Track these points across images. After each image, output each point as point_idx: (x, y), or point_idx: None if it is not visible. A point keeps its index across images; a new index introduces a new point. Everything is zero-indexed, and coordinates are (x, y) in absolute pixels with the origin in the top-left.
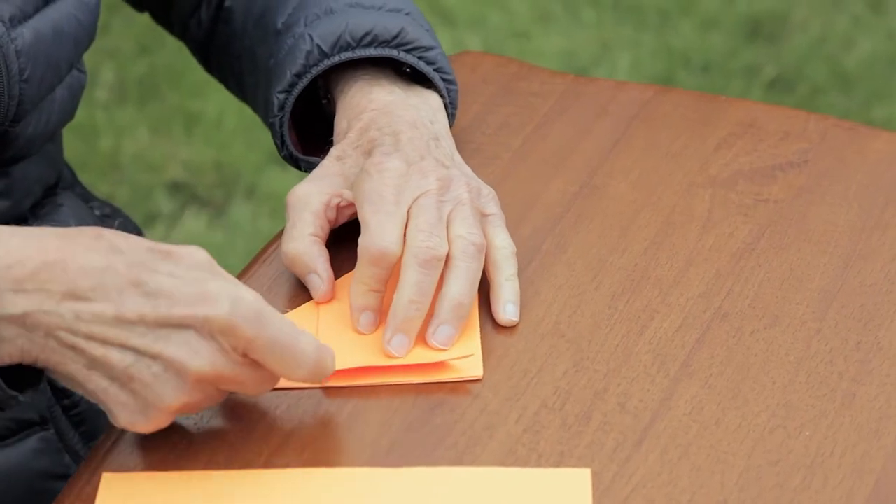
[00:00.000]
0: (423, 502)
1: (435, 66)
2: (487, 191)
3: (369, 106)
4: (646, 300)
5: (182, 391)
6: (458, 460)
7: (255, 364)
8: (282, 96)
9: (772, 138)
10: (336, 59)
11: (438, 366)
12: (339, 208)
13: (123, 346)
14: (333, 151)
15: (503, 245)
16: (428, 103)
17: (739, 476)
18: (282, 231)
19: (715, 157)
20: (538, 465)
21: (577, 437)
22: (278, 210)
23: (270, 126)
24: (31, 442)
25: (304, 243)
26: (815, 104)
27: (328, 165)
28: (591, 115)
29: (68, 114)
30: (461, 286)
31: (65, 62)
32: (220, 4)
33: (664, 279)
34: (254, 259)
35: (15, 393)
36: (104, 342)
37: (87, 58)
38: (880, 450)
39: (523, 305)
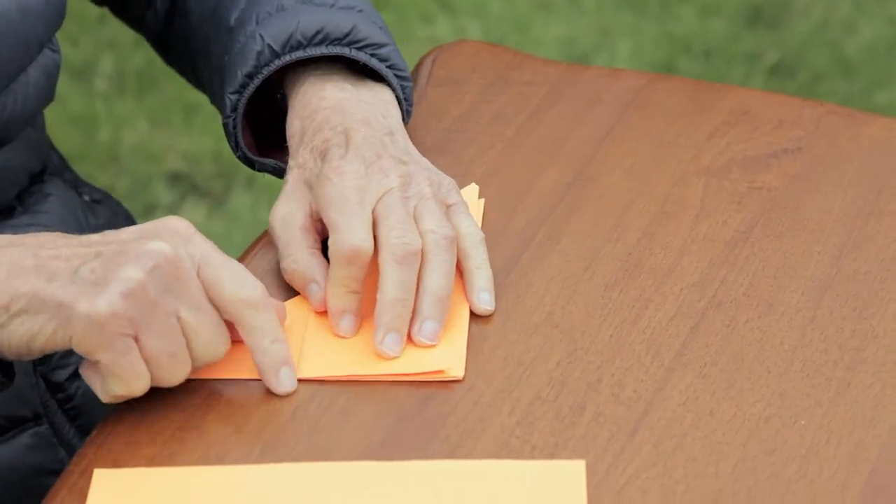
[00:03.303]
0: (417, 496)
1: (388, 63)
2: (448, 181)
3: (321, 105)
4: (639, 290)
5: None
6: (452, 453)
7: None
8: (234, 97)
9: (766, 126)
10: (287, 58)
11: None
12: (320, 220)
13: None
14: (292, 161)
15: (470, 232)
16: (380, 98)
17: (734, 466)
18: None
19: (709, 145)
20: (532, 457)
21: (571, 428)
22: None
23: (224, 127)
24: (24, 438)
25: (304, 256)
26: (816, 90)
27: (294, 179)
28: (585, 104)
29: (45, 95)
30: (439, 280)
31: (34, 41)
32: None
33: (658, 268)
34: (249, 248)
35: (4, 379)
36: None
37: (86, 49)
38: (875, 438)
39: (517, 296)
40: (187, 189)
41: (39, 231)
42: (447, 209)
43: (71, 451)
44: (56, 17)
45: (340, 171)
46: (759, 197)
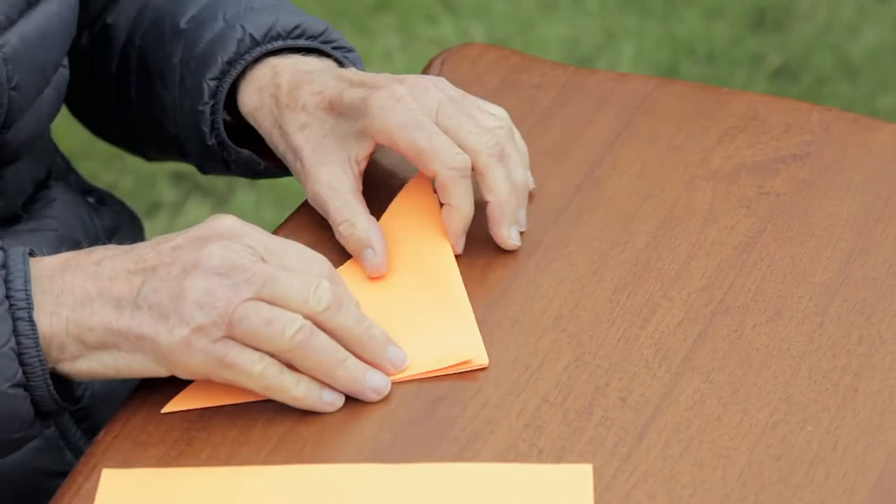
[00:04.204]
0: (424, 499)
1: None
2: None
3: (278, 71)
4: (647, 294)
5: None
6: (459, 455)
7: None
8: (213, 83)
9: (774, 131)
10: (268, 46)
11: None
12: (359, 177)
13: None
14: (290, 128)
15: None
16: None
17: (741, 471)
18: (285, 221)
19: (717, 149)
20: (539, 460)
21: (579, 432)
22: (281, 199)
23: (199, 114)
24: (31, 440)
25: (361, 220)
26: (820, 93)
27: (311, 140)
28: (593, 108)
29: (55, 109)
30: (523, 168)
31: (51, 63)
32: (103, 26)
33: (666, 273)
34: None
35: (65, 403)
36: None
37: None
38: (883, 444)
39: (525, 299)
40: (191, 188)
41: (45, 235)
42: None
43: (78, 454)
44: (70, 35)
45: (396, 96)
46: (768, 202)
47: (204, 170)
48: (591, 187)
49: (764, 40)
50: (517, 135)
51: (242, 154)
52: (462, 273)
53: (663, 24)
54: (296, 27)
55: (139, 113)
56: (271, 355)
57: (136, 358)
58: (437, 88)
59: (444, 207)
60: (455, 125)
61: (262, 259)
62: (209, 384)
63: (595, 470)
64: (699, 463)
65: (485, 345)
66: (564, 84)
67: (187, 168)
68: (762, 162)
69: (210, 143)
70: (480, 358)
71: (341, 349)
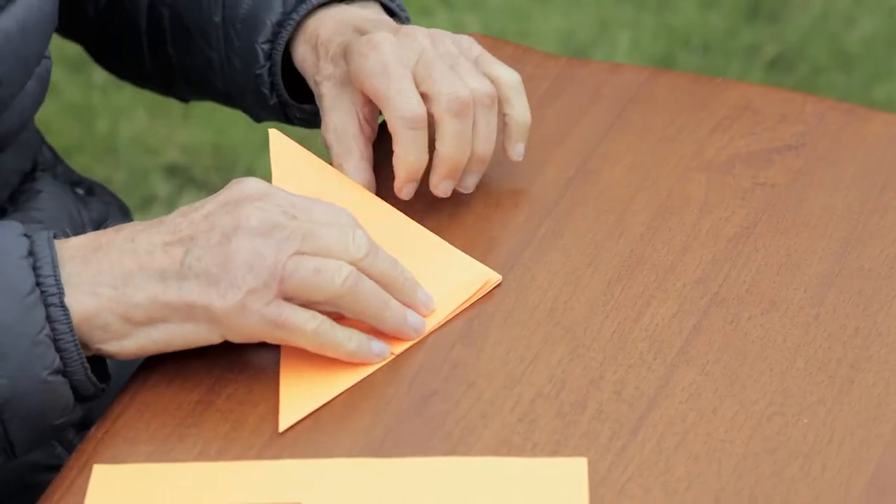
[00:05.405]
0: (418, 494)
1: (405, 14)
2: (466, 37)
3: (323, 24)
4: (642, 286)
5: None
6: (453, 450)
7: None
8: (266, 46)
9: (769, 121)
10: (314, 2)
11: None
12: (368, 122)
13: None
14: (318, 77)
15: (508, 78)
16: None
17: (737, 464)
18: None
19: (711, 140)
20: (533, 454)
21: (573, 425)
22: None
23: (257, 78)
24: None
25: (356, 170)
26: (815, 84)
27: (330, 89)
28: (586, 99)
29: (39, 100)
30: (483, 144)
31: (34, 56)
32: None
33: (660, 265)
34: None
35: (103, 385)
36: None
37: None
38: (879, 437)
39: (519, 292)
40: (185, 182)
41: (30, 228)
42: (475, 62)
43: (68, 448)
44: (51, 27)
45: (372, 43)
46: (762, 193)
47: (258, 120)
48: (584, 179)
49: (759, 31)
50: (517, 107)
51: (305, 109)
52: None
53: (658, 15)
54: None
55: (180, 67)
56: (322, 305)
57: (187, 328)
58: (426, 37)
59: (394, 156)
60: (426, 74)
61: (293, 217)
62: (303, 384)
63: (590, 464)
64: (694, 456)
65: (478, 338)
66: (557, 75)
67: (181, 162)
68: (756, 152)
69: (272, 103)
70: (492, 276)
71: (384, 292)
